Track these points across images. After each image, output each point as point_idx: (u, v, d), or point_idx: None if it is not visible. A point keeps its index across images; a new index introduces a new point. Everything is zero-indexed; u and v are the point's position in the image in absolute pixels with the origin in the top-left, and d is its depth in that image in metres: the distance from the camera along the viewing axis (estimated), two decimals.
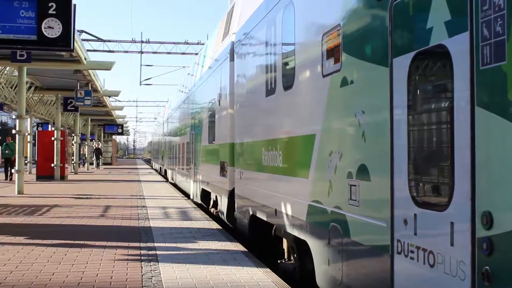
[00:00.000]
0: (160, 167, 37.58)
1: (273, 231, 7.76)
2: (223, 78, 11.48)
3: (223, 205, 11.16)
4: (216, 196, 12.28)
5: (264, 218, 7.88)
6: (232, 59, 10.48)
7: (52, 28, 10.94)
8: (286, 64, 6.91)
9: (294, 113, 6.59)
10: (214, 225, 11.17)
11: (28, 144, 29.97)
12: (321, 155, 5.50)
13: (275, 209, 7.21)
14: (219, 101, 11.90)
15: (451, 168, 3.39)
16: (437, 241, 3.52)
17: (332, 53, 5.24)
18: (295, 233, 6.39)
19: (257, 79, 8.37)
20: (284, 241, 7.62)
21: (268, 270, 7.10)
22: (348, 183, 4.79)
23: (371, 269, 4.50)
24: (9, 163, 25.98)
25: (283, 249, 7.77)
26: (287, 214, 6.71)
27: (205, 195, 14.21)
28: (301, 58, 6.30)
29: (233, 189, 10.19)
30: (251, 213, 8.68)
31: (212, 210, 13.27)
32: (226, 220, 10.99)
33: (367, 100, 4.55)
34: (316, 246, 5.70)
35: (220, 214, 11.80)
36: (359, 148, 4.65)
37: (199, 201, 15.06)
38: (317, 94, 5.67)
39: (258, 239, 8.96)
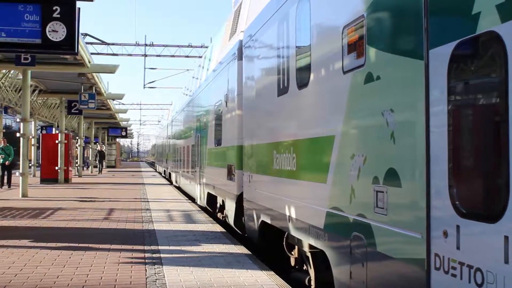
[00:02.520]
0: (164, 170, 37.50)
1: (284, 239, 7.43)
2: (230, 78, 11.11)
3: (230, 210, 10.79)
4: (222, 200, 11.92)
5: (276, 225, 7.47)
6: (240, 58, 10.09)
7: (56, 32, 10.97)
8: (300, 61, 6.46)
9: (309, 113, 6.17)
10: (218, 228, 11.16)
11: (32, 147, 30.03)
12: (341, 158, 5.06)
13: (288, 215, 6.77)
14: (226, 102, 11.48)
15: (505, 172, 2.96)
16: (486, 257, 3.10)
17: (354, 47, 4.79)
18: (311, 241, 5.96)
19: (268, 78, 7.99)
20: (297, 249, 7.23)
21: (272, 273, 7.09)
22: (374, 189, 4.35)
23: (402, 285, 4.03)
24: (5, 169, 22.71)
25: (296, 257, 7.38)
26: (301, 221, 6.27)
27: (211, 199, 13.89)
28: (317, 54, 5.84)
29: (241, 194, 9.79)
30: (261, 219, 8.25)
31: (218, 214, 12.91)
32: (233, 226, 10.63)
33: (397, 97, 4.11)
34: (335, 257, 5.27)
35: (227, 219, 11.41)
36: (387, 150, 4.19)
37: (205, 205, 14.75)
38: (336, 92, 5.22)
39: (269, 246, 8.53)
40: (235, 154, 10.25)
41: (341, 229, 5.10)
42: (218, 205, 12.82)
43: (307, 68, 6.11)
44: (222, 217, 12.25)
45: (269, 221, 7.81)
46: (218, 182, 12.31)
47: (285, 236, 7.37)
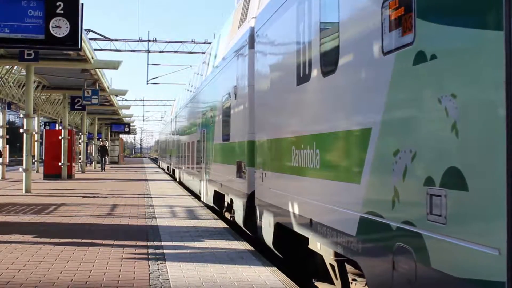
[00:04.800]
0: (168, 166, 37.32)
1: (305, 244, 6.67)
2: (240, 68, 10.38)
3: (239, 209, 10.15)
4: (231, 199, 11.24)
5: (294, 228, 6.68)
6: (251, 46, 9.33)
7: (59, 28, 10.99)
8: (326, 44, 5.69)
9: (338, 103, 5.34)
10: (221, 224, 11.17)
11: (36, 143, 30.08)
12: (381, 154, 4.30)
13: (310, 219, 5.99)
14: (235, 95, 10.76)
15: None
16: None
17: (399, 22, 4.04)
18: (339, 250, 5.18)
19: (285, 65, 7.21)
20: (318, 256, 6.51)
21: (275, 269, 7.09)
22: (427, 192, 3.58)
23: None
24: None
25: (317, 265, 6.79)
26: (326, 226, 5.50)
27: (217, 197, 13.25)
28: (348, 34, 5.05)
29: (253, 193, 9.05)
30: (276, 221, 7.51)
31: (226, 214, 12.29)
32: (243, 227, 9.99)
33: (462, 79, 3.34)
34: (372, 270, 4.54)
35: (236, 220, 10.69)
36: (446, 145, 3.43)
37: (211, 204, 14.15)
38: (373, 77, 4.49)
39: (284, 249, 7.90)
40: (246, 150, 9.65)
41: (379, 238, 4.36)
42: (225, 203, 12.21)
43: (334, 52, 5.34)
44: (230, 216, 11.62)
45: (285, 224, 7.11)
46: (226, 179, 11.67)
47: (306, 241, 6.61)
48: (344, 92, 5.15)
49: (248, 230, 9.79)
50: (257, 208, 8.73)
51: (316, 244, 6.14)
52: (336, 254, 5.58)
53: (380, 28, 4.30)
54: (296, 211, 6.56)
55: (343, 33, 5.14)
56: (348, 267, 5.75)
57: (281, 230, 7.44)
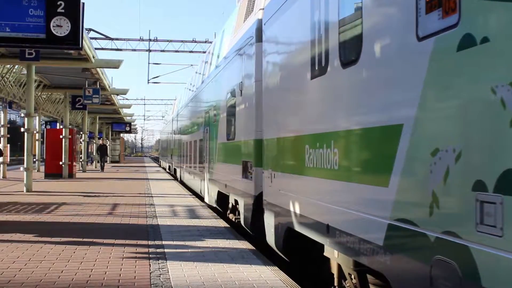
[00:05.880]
0: (169, 166, 37.18)
1: (318, 250, 6.28)
2: (246, 63, 9.89)
3: (246, 212, 9.70)
4: (235, 200, 10.82)
5: (308, 235, 6.17)
6: (259, 39, 8.90)
7: (60, 27, 10.99)
8: (346, 32, 5.15)
9: (360, 97, 4.80)
10: (222, 223, 11.16)
11: (37, 142, 30.09)
12: (415, 153, 3.78)
13: (327, 225, 5.46)
14: (241, 91, 10.25)
15: None
16: None
17: (439, 1, 3.54)
18: (362, 260, 4.68)
19: (297, 58, 6.72)
20: (335, 264, 5.97)
21: (276, 268, 7.09)
22: (477, 198, 3.12)
23: None
24: None
25: (331, 273, 6.23)
26: (347, 234, 4.96)
27: (221, 198, 12.77)
28: (373, 19, 4.54)
29: (260, 194, 8.62)
30: (286, 225, 7.02)
31: (230, 216, 11.77)
32: (249, 231, 9.55)
33: None
34: (402, 284, 4.01)
35: (242, 222, 10.19)
36: (503, 143, 2.96)
37: (214, 205, 13.73)
38: (405, 66, 3.96)
39: (295, 257, 7.45)
40: (253, 149, 9.19)
41: (413, 249, 3.83)
42: (230, 205, 11.73)
43: (356, 40, 4.83)
44: (235, 218, 11.19)
45: (298, 229, 6.58)
46: (231, 180, 11.15)
47: (320, 248, 6.17)
48: (368, 85, 4.62)
49: (255, 234, 9.32)
50: (265, 211, 8.28)
51: (333, 252, 5.69)
52: (356, 263, 5.11)
53: (414, 9, 3.79)
54: (310, 216, 6.04)
55: (367, 17, 4.61)
56: (370, 278, 5.28)
57: (292, 235, 6.96)
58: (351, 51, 4.99)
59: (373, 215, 4.36)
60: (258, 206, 8.75)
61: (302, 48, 6.42)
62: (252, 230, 9.36)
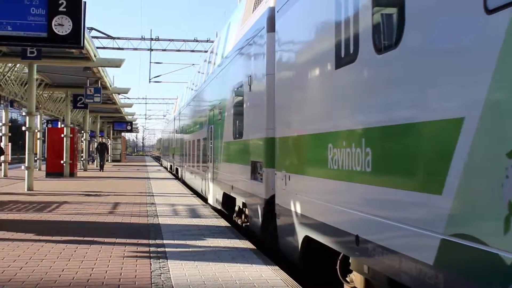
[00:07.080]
0: (171, 165, 37.05)
1: (341, 261, 5.74)
2: (256, 56, 9.21)
3: (255, 216, 9.10)
4: (243, 203, 10.21)
5: (331, 245, 5.53)
6: (271, 29, 8.21)
7: (62, 26, 10.99)
8: (381, 12, 4.52)
9: (402, 87, 4.07)
10: (223, 222, 11.16)
11: (38, 141, 30.11)
12: (481, 154, 3.12)
13: (356, 236, 4.81)
14: (250, 87, 9.52)
15: None
16: None
17: None
18: (404, 279, 3.94)
19: (318, 46, 5.99)
20: (361, 279, 5.34)
21: (277, 267, 7.08)
22: None
23: None
24: None
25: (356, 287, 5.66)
26: (382, 247, 4.27)
27: (227, 200, 12.15)
28: None
29: (272, 197, 8.02)
30: (304, 234, 6.42)
31: (236, 219, 11.13)
32: (260, 235, 8.95)
33: None
34: None
35: (251, 227, 9.60)
36: None
37: (219, 207, 13.15)
38: (467, 46, 3.26)
39: (314, 266, 6.92)
40: (263, 149, 8.50)
41: (480, 273, 3.11)
42: (236, 208, 11.14)
43: (396, 20, 4.22)
44: (242, 222, 10.57)
45: (318, 239, 5.94)
46: (239, 181, 10.50)
47: (346, 260, 5.60)
48: (414, 71, 3.88)
49: (267, 241, 8.78)
50: (277, 216, 7.70)
51: (363, 266, 5.06)
52: (391, 281, 4.46)
53: None
54: (334, 224, 5.36)
55: None
56: None
57: (311, 243, 6.33)
58: (389, 34, 4.41)
59: (420, 228, 3.70)
60: (269, 210, 8.18)
61: (325, 34, 5.67)
62: (264, 236, 8.81)
